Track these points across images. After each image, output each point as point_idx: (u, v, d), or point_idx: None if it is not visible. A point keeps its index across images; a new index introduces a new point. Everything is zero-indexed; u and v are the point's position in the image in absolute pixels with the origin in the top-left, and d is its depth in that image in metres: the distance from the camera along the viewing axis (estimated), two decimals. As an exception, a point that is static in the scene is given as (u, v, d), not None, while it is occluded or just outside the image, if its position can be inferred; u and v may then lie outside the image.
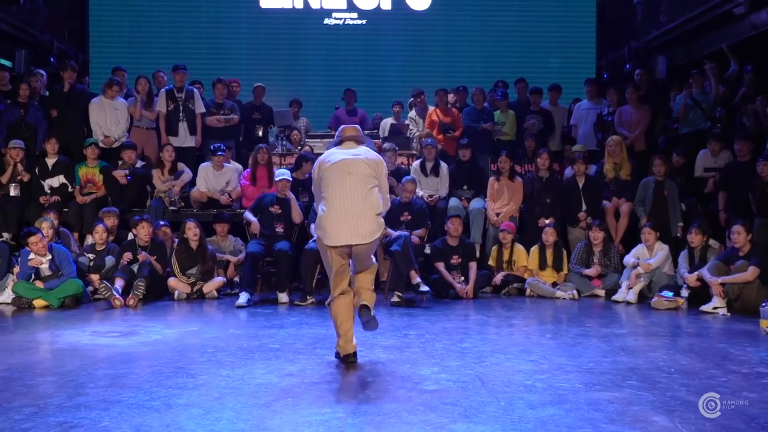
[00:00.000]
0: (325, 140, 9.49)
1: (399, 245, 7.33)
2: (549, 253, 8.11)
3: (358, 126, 5.04)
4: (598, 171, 8.96)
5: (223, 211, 8.67)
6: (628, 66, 12.16)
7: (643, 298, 7.51)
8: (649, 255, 7.73)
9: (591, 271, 7.98)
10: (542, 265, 8.10)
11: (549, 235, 8.13)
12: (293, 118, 10.69)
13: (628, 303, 7.40)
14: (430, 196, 8.80)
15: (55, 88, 9.60)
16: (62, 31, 12.39)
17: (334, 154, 4.78)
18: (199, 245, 7.70)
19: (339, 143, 4.89)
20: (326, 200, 4.70)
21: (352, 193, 4.63)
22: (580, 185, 8.65)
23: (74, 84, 9.54)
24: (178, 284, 7.59)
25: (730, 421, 3.47)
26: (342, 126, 5.06)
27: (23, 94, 9.16)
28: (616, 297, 7.54)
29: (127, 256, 7.53)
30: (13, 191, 8.54)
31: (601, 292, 7.90)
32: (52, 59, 11.34)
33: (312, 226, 7.65)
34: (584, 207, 8.60)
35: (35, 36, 11.29)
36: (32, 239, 7.10)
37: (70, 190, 8.82)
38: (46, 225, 7.57)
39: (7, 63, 10.85)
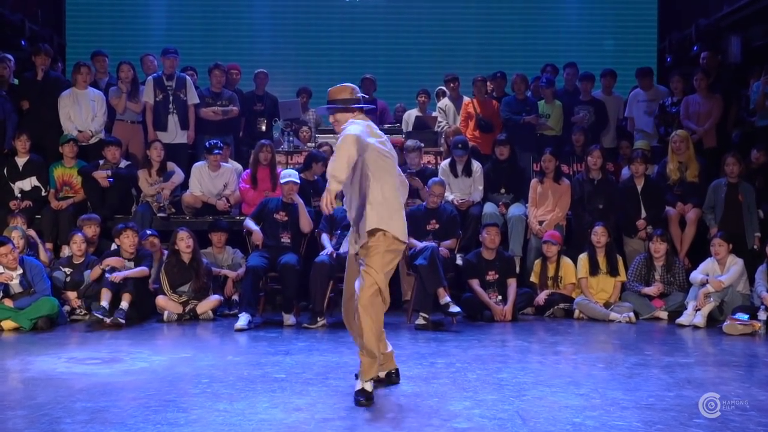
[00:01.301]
0: (338, 136, 9.50)
1: (425, 259, 7.34)
2: (601, 257, 8.09)
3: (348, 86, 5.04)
4: (661, 172, 8.92)
5: (219, 219, 8.72)
6: (695, 48, 12.09)
7: (713, 321, 7.46)
8: (720, 271, 7.68)
9: (651, 290, 7.94)
10: (594, 270, 8.07)
11: (600, 235, 8.10)
12: (302, 110, 10.75)
13: (695, 327, 7.35)
14: (462, 200, 8.81)
15: (26, 75, 9.71)
16: (35, 10, 12.55)
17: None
18: (192, 258, 7.75)
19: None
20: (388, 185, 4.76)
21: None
22: (639, 188, 8.62)
23: (48, 71, 9.64)
24: (167, 303, 7.64)
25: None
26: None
27: (-11, 83, 9.29)
28: (681, 320, 7.49)
29: (109, 261, 7.53)
30: (-22, 196, 8.67)
31: (664, 315, 7.86)
32: (23, 42, 11.48)
33: (323, 235, 7.75)
34: (644, 214, 8.57)
35: (4, 15, 11.43)
36: (1, 250, 7.16)
37: (43, 193, 8.92)
38: (17, 234, 7.66)
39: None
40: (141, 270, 7.56)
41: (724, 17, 11.87)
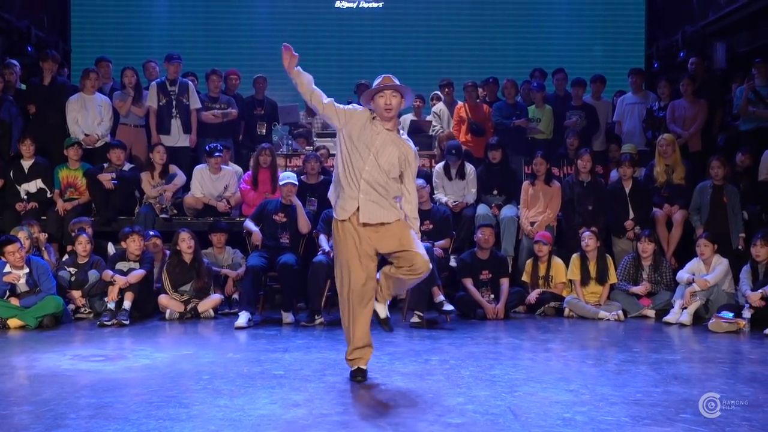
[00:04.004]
0: (335, 139, 9.50)
1: (420, 258, 7.32)
2: (592, 265, 8.09)
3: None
4: (648, 174, 8.93)
5: (220, 220, 8.73)
6: (681, 54, 12.11)
7: (699, 319, 7.47)
8: (705, 270, 7.69)
9: (639, 289, 7.95)
10: (585, 280, 8.06)
11: (588, 239, 8.09)
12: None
13: (681, 325, 7.36)
14: (456, 202, 8.80)
15: (34, 80, 9.69)
16: (41, 17, 12.53)
17: None
18: (193, 258, 7.75)
19: None
20: None
21: None
22: (627, 190, 8.63)
23: (55, 76, 9.64)
24: (169, 302, 7.64)
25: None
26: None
27: (-3, 88, 9.26)
28: (668, 318, 7.50)
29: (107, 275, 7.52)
30: (-15, 199, 8.65)
31: (651, 313, 7.87)
32: (29, 48, 11.47)
33: (321, 236, 7.74)
34: (631, 215, 8.57)
35: (11, 22, 11.42)
36: (9, 248, 7.14)
37: (49, 195, 8.91)
38: (23, 234, 7.63)
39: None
40: (139, 274, 7.51)
41: (710, 24, 11.91)
